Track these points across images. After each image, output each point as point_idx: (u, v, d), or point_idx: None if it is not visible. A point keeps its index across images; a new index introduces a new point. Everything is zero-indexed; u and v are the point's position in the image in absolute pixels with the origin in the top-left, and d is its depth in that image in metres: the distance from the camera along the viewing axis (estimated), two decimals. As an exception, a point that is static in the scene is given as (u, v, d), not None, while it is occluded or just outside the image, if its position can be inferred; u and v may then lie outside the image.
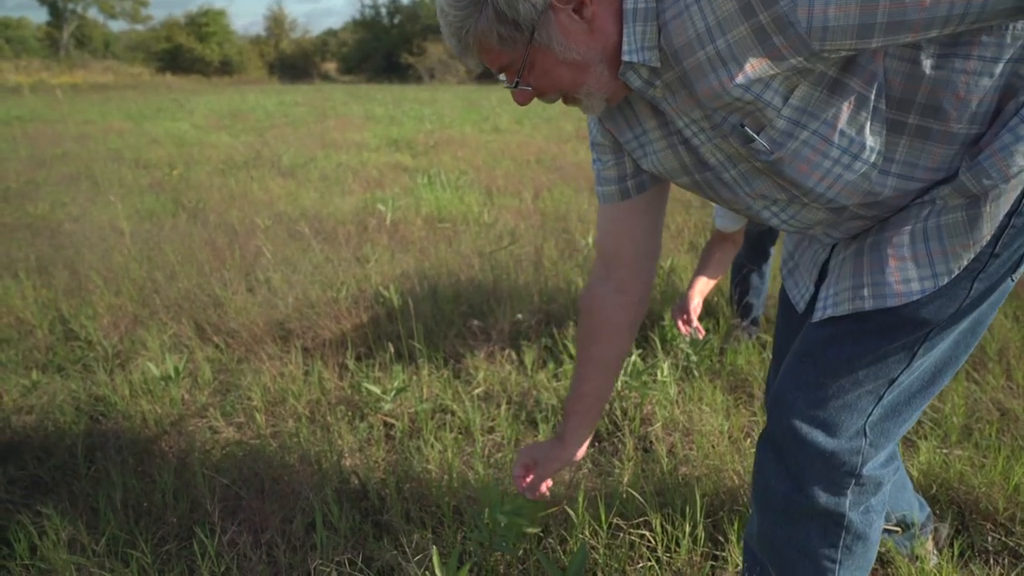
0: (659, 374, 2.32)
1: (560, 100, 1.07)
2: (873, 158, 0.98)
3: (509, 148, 8.16)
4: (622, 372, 2.27)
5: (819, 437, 1.11)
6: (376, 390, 2.23)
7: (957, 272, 1.00)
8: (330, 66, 52.73)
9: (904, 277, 1.02)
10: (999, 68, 0.91)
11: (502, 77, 1.04)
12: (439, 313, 2.94)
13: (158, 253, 3.73)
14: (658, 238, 1.28)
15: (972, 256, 0.99)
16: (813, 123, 0.96)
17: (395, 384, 2.26)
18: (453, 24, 0.97)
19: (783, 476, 1.15)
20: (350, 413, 2.24)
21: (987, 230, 0.98)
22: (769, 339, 2.72)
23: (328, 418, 2.20)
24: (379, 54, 47.45)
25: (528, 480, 1.44)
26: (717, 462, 1.91)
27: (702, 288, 2.36)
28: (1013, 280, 1.07)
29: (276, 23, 54.32)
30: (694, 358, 2.49)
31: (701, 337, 2.35)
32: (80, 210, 5.01)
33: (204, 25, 47.80)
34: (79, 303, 3.10)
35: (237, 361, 2.59)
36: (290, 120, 12.53)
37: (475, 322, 2.82)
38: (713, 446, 2.02)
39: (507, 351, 2.64)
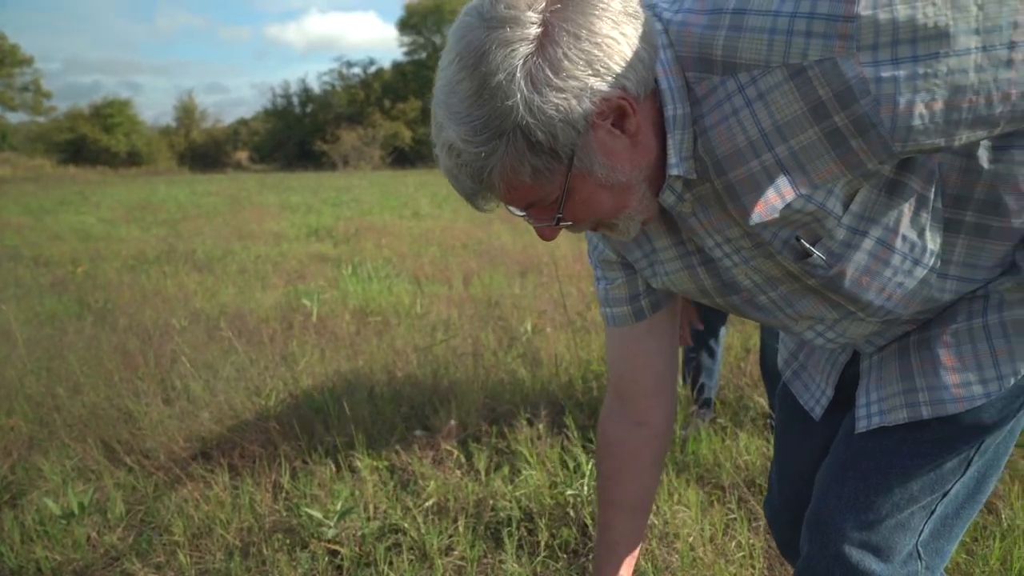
0: (625, 473, 2.16)
1: (588, 230, 0.92)
2: (932, 261, 0.89)
3: (433, 233, 8.06)
4: (587, 476, 2.11)
5: (873, 564, 0.97)
6: (317, 514, 1.99)
7: (1023, 372, 0.90)
8: (242, 155, 52.22)
9: (964, 380, 0.91)
10: None
11: (519, 212, 0.86)
12: (379, 417, 2.71)
13: (60, 363, 3.38)
14: (676, 359, 1.14)
15: None
16: (875, 229, 0.85)
17: (338, 506, 2.02)
18: (470, 164, 0.78)
19: None
20: (288, 542, 1.98)
21: None
22: (727, 424, 2.61)
23: (264, 550, 1.94)
24: (292, 142, 47.42)
25: None
26: (705, 572, 1.75)
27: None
28: None
29: (186, 113, 53.65)
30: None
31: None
32: (-31, 317, 4.58)
33: (109, 116, 46.73)
34: (-35, 426, 2.73)
35: (154, 487, 2.29)
36: (204, 211, 12.15)
37: (417, 432, 2.61)
38: (693, 550, 1.86)
39: (456, 455, 2.44)
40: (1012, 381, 0.90)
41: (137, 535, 2.05)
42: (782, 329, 1.03)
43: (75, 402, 2.87)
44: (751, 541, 1.90)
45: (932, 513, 0.98)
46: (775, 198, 0.81)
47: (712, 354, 2.75)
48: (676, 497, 2.11)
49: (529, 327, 3.76)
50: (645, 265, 1.02)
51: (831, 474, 1.03)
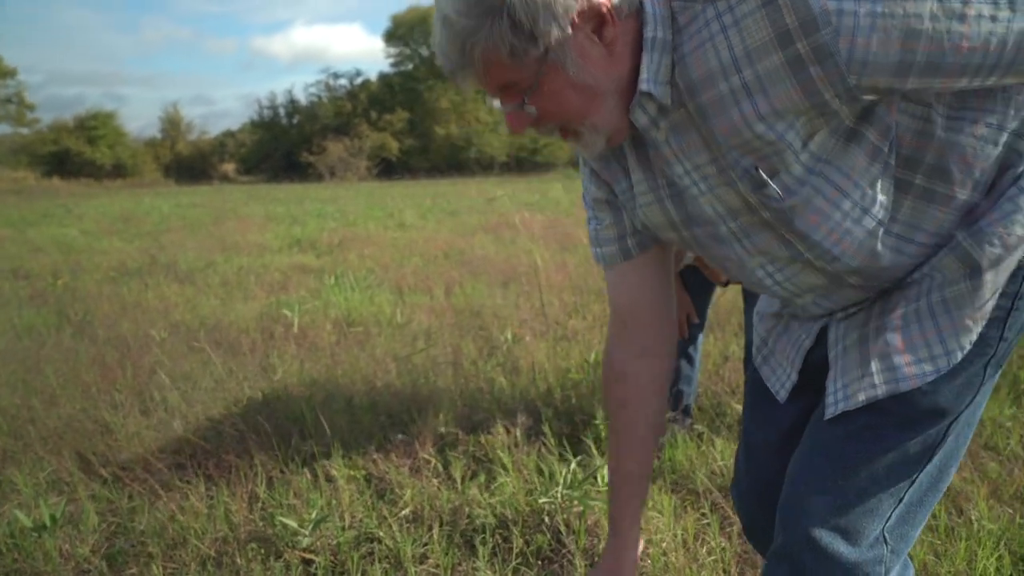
0: (599, 480, 2.17)
1: (556, 134, 0.98)
2: (881, 214, 0.94)
3: (416, 244, 8.07)
4: (561, 483, 2.12)
5: (841, 547, 1.00)
6: (292, 523, 1.99)
7: (969, 348, 0.94)
8: (229, 167, 52.03)
9: (915, 358, 0.96)
10: (1003, 137, 0.90)
11: (496, 103, 0.93)
12: (356, 426, 2.72)
13: (36, 375, 3.37)
14: (671, 287, 1.20)
15: (980, 331, 0.94)
16: (829, 171, 0.91)
17: (312, 514, 2.02)
18: (459, 35, 0.87)
19: None
20: (263, 551, 1.98)
21: (991, 301, 0.94)
22: (703, 429, 2.64)
23: (238, 559, 1.94)
24: (278, 154, 47.32)
25: None
26: (674, 577, 1.76)
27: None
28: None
29: (172, 125, 53.44)
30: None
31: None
32: (-53, 330, 4.54)
33: (93, 128, 46.47)
34: (-61, 440, 2.71)
35: (129, 498, 2.28)
36: (188, 223, 12.10)
37: (399, 436, 2.62)
38: (666, 555, 1.88)
39: (433, 463, 2.45)
40: (960, 355, 0.94)
41: (110, 547, 2.04)
42: (737, 266, 1.07)
43: (51, 414, 2.86)
44: (723, 545, 1.92)
45: (900, 501, 1.01)
46: (739, 119, 0.88)
47: (691, 361, 2.78)
48: (650, 503, 2.12)
49: (509, 336, 3.77)
50: (628, 198, 1.09)
51: (801, 460, 1.07)
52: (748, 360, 2.62)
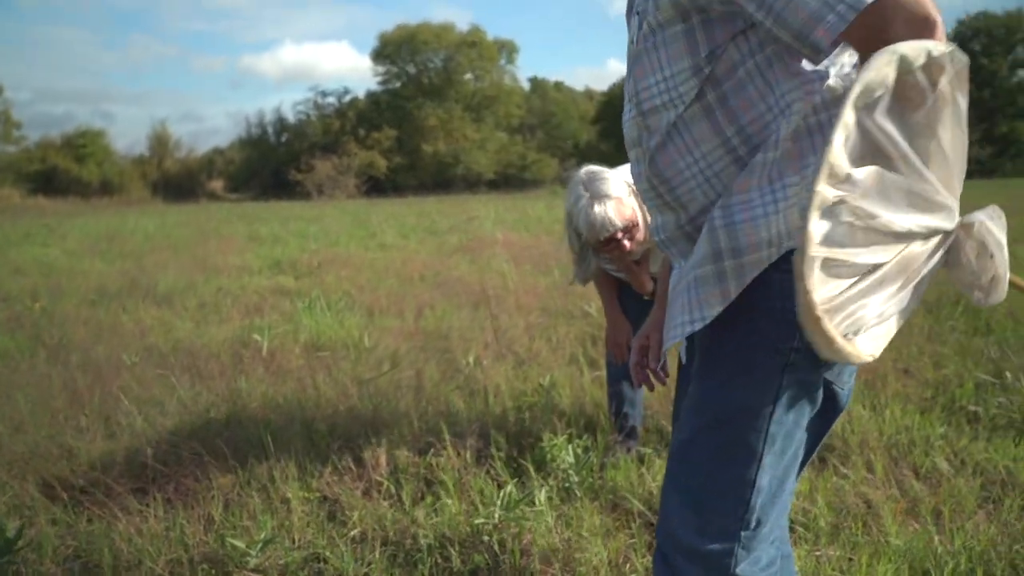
0: (537, 501, 2.29)
1: None
2: (677, 102, 1.12)
3: (394, 265, 8.18)
4: (498, 504, 2.23)
5: (693, 539, 1.13)
6: (240, 544, 2.09)
7: (710, 318, 1.09)
8: (217, 184, 51.98)
9: (672, 324, 1.16)
10: (775, 110, 1.07)
11: None
12: (313, 449, 2.82)
13: (5, 402, 3.45)
14: None
15: (720, 308, 1.08)
16: (660, 44, 1.12)
17: (262, 535, 2.13)
18: None
19: None
20: (214, 571, 2.09)
21: (734, 285, 1.07)
22: (648, 451, 2.76)
23: (187, 580, 2.04)
24: (266, 171, 47.37)
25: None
26: (596, 594, 1.88)
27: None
28: (840, 388, 1.15)
29: (159, 143, 53.41)
30: (575, 478, 2.48)
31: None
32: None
33: (81, 146, 46.42)
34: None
35: (88, 521, 2.38)
36: (172, 242, 12.18)
37: (353, 459, 2.72)
38: (594, 572, 1.99)
39: (385, 486, 2.55)
40: (699, 325, 1.10)
41: (66, 569, 2.14)
42: (623, 97, 1.25)
43: (17, 440, 2.95)
44: (648, 565, 2.03)
45: (748, 504, 1.13)
46: None
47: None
48: (584, 524, 2.23)
49: (471, 360, 3.89)
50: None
51: (668, 457, 1.23)
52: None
